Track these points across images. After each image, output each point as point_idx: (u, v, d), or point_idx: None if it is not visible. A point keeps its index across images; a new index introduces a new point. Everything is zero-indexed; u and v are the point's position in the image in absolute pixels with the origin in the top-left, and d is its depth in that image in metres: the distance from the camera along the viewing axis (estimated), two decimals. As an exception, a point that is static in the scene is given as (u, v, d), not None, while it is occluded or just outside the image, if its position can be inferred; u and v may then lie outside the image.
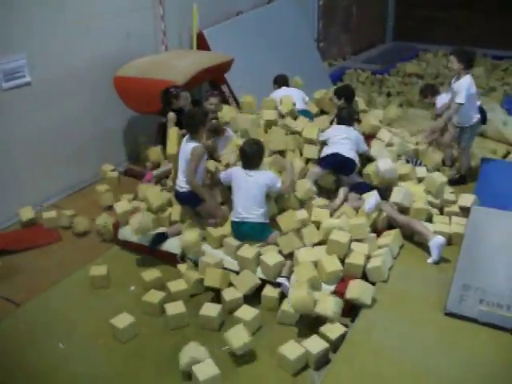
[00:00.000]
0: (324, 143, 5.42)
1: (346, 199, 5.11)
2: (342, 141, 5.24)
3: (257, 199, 4.53)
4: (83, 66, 5.96)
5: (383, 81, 10.81)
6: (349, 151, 5.18)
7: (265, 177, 4.59)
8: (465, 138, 5.98)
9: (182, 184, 4.76)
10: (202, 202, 4.76)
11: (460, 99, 5.62)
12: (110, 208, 5.51)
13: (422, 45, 13.37)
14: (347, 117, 5.57)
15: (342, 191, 5.16)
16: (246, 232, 4.54)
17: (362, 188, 5.12)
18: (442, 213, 5.10)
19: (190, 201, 4.83)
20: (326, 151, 5.25)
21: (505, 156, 6.94)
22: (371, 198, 4.82)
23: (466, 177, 6.06)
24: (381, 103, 9.10)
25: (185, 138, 4.85)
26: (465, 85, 5.61)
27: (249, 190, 4.53)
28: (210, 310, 4.09)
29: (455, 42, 12.90)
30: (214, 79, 7.28)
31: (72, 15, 5.78)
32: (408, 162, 5.77)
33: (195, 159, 4.62)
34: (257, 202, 4.53)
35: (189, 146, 4.68)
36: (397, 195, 4.96)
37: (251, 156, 4.61)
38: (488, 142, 7.20)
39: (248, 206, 4.52)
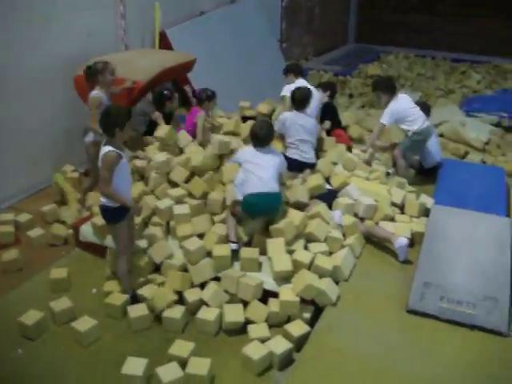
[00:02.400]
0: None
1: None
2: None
3: (274, 174, 4.59)
4: (43, 65, 5.82)
5: (345, 82, 10.94)
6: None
7: (277, 156, 4.73)
8: (404, 142, 5.96)
9: (101, 197, 4.09)
10: (111, 223, 4.17)
11: (383, 120, 5.82)
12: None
13: (384, 47, 13.63)
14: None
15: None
16: (270, 203, 4.52)
17: (327, 196, 5.09)
18: (403, 212, 5.17)
19: (103, 216, 4.22)
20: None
21: (463, 156, 7.10)
22: (336, 213, 4.85)
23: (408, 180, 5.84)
24: (343, 104, 9.20)
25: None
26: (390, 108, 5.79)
27: (267, 166, 4.56)
28: (174, 311, 4.05)
29: (415, 44, 13.23)
30: (176, 79, 7.21)
31: (31, 14, 5.64)
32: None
33: (104, 167, 3.93)
34: (274, 177, 4.59)
35: (102, 151, 3.98)
36: (358, 209, 4.99)
37: (263, 137, 4.65)
38: (447, 143, 7.35)
39: (269, 179, 4.52)
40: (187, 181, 5.08)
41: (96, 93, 5.08)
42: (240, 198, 4.56)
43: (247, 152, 4.74)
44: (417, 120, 5.75)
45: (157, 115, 5.95)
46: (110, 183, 3.96)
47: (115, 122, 3.92)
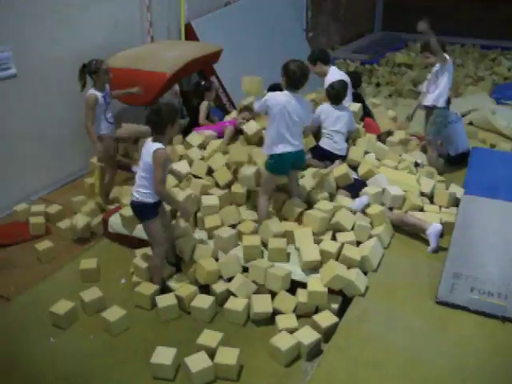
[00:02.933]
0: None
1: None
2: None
3: (301, 127, 4.51)
4: (70, 56, 5.87)
5: (372, 71, 10.82)
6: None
7: (306, 105, 4.56)
8: (429, 129, 5.88)
9: (135, 193, 4.08)
10: (146, 220, 4.14)
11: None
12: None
13: (411, 35, 13.36)
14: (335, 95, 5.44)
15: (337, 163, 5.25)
16: (300, 160, 4.55)
17: (354, 187, 5.05)
18: (432, 202, 5.11)
19: (138, 214, 4.20)
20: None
21: (493, 145, 6.96)
22: (362, 199, 4.81)
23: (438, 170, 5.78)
24: (370, 93, 9.10)
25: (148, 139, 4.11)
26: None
27: (297, 120, 4.37)
28: (202, 301, 4.07)
29: (444, 32, 12.94)
30: (202, 70, 7.22)
31: (58, 5, 5.70)
32: None
33: (160, 166, 3.87)
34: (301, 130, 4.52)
35: (151, 148, 3.91)
36: (386, 199, 4.93)
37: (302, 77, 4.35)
38: (477, 132, 7.22)
39: (298, 134, 4.46)
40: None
41: (92, 92, 5.08)
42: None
43: (281, 96, 4.40)
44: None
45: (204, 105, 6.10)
46: (165, 182, 3.99)
47: (167, 118, 3.90)
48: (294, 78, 4.32)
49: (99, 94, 5.10)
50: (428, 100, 5.78)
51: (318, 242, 4.34)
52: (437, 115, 5.74)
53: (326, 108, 5.44)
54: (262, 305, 4.02)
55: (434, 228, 4.53)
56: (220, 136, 5.71)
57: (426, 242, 4.61)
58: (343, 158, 5.39)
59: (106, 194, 5.48)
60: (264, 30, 8.71)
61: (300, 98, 4.43)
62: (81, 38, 6.03)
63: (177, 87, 7.02)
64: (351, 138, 5.68)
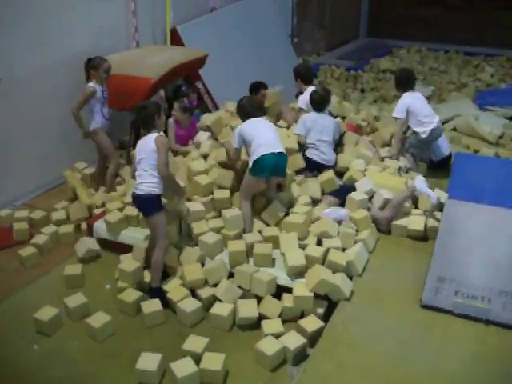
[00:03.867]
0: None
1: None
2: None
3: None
4: (55, 61, 5.86)
5: (357, 77, 10.90)
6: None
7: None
8: (410, 143, 5.96)
9: (141, 186, 4.21)
10: (154, 213, 4.22)
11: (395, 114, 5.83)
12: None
13: (395, 41, 13.54)
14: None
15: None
16: (283, 163, 4.60)
17: (341, 192, 5.06)
18: (416, 206, 5.14)
19: (145, 207, 4.30)
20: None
21: (477, 151, 7.04)
22: (341, 212, 4.78)
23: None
24: (355, 99, 9.16)
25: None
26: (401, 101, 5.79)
27: (272, 130, 4.65)
28: (188, 304, 4.06)
29: (428, 38, 13.11)
30: (188, 75, 7.22)
31: (43, 8, 5.67)
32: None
33: (163, 149, 4.14)
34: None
35: (150, 138, 4.20)
36: (378, 200, 4.98)
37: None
38: (460, 137, 7.29)
39: (278, 141, 4.58)
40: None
41: (92, 85, 5.35)
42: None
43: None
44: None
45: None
46: (169, 165, 4.28)
47: (153, 111, 4.23)
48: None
49: (98, 88, 5.36)
50: None
51: (302, 246, 4.35)
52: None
53: (310, 116, 5.45)
54: (248, 310, 4.02)
55: (418, 182, 4.78)
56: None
57: (411, 246, 4.66)
58: (332, 168, 5.38)
59: (109, 183, 5.60)
60: (249, 35, 8.75)
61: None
62: (66, 43, 6.00)
63: (162, 92, 7.00)
64: (339, 145, 5.71)
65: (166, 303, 4.18)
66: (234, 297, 4.14)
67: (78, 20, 6.13)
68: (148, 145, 4.17)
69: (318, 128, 5.35)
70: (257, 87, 6.20)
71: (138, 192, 4.19)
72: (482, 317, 3.77)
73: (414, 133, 5.86)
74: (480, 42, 12.65)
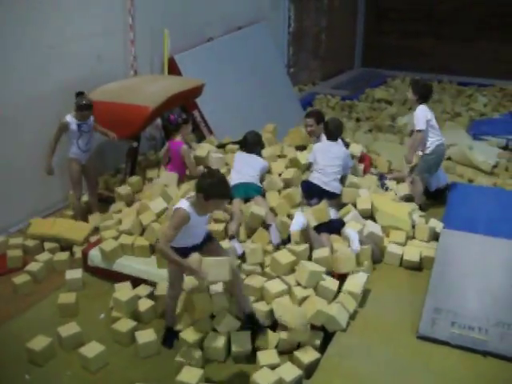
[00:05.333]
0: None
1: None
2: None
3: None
4: (52, 90, 5.89)
5: (352, 106, 10.97)
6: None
7: (260, 161, 5.57)
8: (419, 166, 5.92)
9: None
10: None
11: (419, 126, 5.67)
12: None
13: (390, 71, 13.68)
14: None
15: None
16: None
17: (331, 226, 5.00)
18: (413, 236, 5.15)
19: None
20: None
21: (471, 180, 7.08)
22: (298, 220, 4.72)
23: (421, 206, 5.80)
24: (350, 128, 9.22)
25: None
26: (419, 113, 5.68)
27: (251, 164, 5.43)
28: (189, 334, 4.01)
29: (422, 69, 13.29)
30: (185, 104, 7.27)
31: (42, 38, 5.74)
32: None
33: None
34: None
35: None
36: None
37: (251, 143, 5.66)
38: (454, 166, 7.34)
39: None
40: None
41: (66, 118, 5.50)
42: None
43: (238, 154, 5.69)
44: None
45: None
46: None
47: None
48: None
49: (73, 122, 5.48)
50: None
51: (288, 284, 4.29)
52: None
53: (321, 145, 5.62)
54: (242, 343, 3.95)
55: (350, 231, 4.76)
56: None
57: (407, 275, 4.68)
58: (333, 197, 5.28)
59: (81, 212, 5.75)
60: (246, 64, 8.84)
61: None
62: (64, 72, 6.04)
63: (159, 121, 7.04)
64: (347, 176, 5.57)
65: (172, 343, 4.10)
66: (232, 328, 4.06)
67: (77, 50, 6.19)
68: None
69: (326, 154, 5.43)
70: None
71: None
72: (480, 348, 3.75)
73: (422, 156, 5.86)
74: (473, 73, 12.82)
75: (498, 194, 6.25)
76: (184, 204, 3.67)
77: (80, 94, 5.51)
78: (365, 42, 15.00)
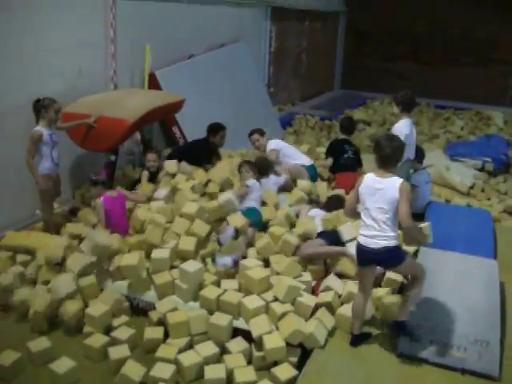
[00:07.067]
0: None
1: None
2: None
3: None
4: (29, 103, 5.79)
5: (331, 126, 11.06)
6: None
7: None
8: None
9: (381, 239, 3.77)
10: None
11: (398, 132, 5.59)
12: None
13: (369, 93, 13.88)
14: None
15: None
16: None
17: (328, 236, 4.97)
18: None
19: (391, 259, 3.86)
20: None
21: (448, 200, 7.14)
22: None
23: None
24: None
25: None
26: (399, 127, 5.70)
27: None
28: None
29: (400, 91, 13.49)
30: (164, 119, 7.24)
31: (21, 51, 5.65)
32: None
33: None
34: None
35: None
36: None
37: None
38: (432, 187, 7.39)
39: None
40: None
41: (38, 129, 5.10)
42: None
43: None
44: None
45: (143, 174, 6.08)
46: None
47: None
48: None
49: (45, 132, 5.11)
50: None
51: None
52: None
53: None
54: (215, 371, 3.77)
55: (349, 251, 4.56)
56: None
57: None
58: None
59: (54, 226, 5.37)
60: (226, 83, 8.86)
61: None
62: (43, 85, 5.91)
63: (138, 135, 7.00)
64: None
65: None
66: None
67: (57, 63, 6.10)
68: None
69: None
70: (214, 129, 6.48)
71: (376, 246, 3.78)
72: (458, 366, 3.72)
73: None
74: (450, 96, 13.07)
75: (474, 214, 6.31)
76: None
77: (38, 101, 5.15)
78: (345, 64, 15.23)
